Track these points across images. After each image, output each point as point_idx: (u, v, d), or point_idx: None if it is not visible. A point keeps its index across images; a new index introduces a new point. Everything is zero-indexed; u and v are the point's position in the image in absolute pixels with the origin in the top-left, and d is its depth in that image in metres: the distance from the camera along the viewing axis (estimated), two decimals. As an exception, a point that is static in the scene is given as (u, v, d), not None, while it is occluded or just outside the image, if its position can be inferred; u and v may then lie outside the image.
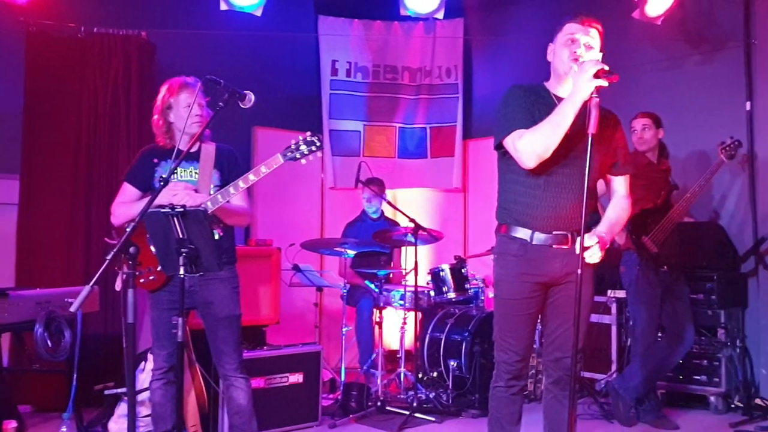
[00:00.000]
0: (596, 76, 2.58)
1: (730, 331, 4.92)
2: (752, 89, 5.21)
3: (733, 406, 4.85)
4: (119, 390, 4.01)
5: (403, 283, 5.46)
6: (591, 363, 5.30)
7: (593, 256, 2.67)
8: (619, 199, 2.97)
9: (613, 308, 5.28)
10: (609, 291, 5.24)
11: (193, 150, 3.34)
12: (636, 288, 4.51)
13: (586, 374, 5.24)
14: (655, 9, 5.10)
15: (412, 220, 5.00)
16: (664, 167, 4.69)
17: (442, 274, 5.45)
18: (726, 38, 5.35)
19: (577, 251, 2.64)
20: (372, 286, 5.35)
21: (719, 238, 5.15)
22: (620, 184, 2.98)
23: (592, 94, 2.59)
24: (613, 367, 5.22)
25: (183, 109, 3.32)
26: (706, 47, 5.45)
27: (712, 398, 4.87)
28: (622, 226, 3.00)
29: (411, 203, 6.76)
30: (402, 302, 5.31)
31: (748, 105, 5.21)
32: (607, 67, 2.59)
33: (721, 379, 4.84)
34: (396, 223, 5.93)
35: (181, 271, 2.83)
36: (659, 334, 4.67)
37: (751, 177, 5.18)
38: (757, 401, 4.89)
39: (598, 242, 2.67)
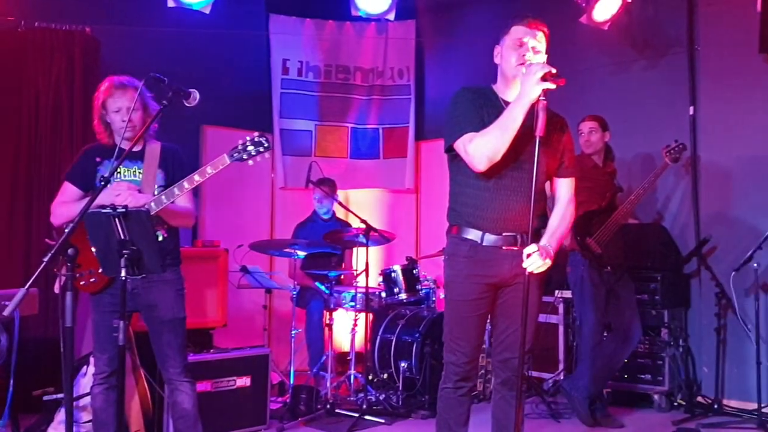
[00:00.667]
0: (543, 79, 2.60)
1: (674, 331, 5.03)
2: (695, 94, 5.34)
3: (676, 404, 4.96)
4: (59, 395, 3.90)
5: (354, 284, 5.44)
6: (538, 362, 5.35)
7: (533, 265, 2.69)
8: (562, 206, 2.98)
9: (561, 308, 5.36)
10: (556, 291, 5.31)
11: (137, 149, 3.27)
12: (581, 288, 4.59)
13: (534, 373, 5.30)
14: (601, 14, 5.19)
15: (363, 221, 4.98)
16: (609, 170, 4.78)
17: (393, 275, 5.43)
18: (670, 44, 5.47)
19: (524, 256, 2.68)
20: (322, 287, 5.31)
21: (663, 239, 5.26)
22: (564, 187, 3.00)
23: (539, 96, 2.62)
24: (561, 367, 5.30)
25: (113, 114, 3.25)
26: (652, 52, 5.57)
27: (656, 397, 4.97)
28: (568, 231, 3.03)
29: (363, 204, 6.74)
30: (353, 304, 5.28)
31: (691, 109, 5.34)
32: (554, 70, 2.61)
33: (664, 378, 4.95)
34: (347, 224, 5.91)
35: (123, 273, 2.75)
36: (606, 333, 4.74)
37: (693, 180, 5.30)
38: (699, 399, 5.01)
39: (538, 250, 2.69)
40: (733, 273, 4.78)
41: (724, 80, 5.16)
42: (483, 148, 2.73)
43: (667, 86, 5.48)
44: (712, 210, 5.22)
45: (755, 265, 4.58)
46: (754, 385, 4.54)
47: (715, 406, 4.83)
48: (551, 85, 2.60)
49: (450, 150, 2.89)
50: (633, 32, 5.62)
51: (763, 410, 4.49)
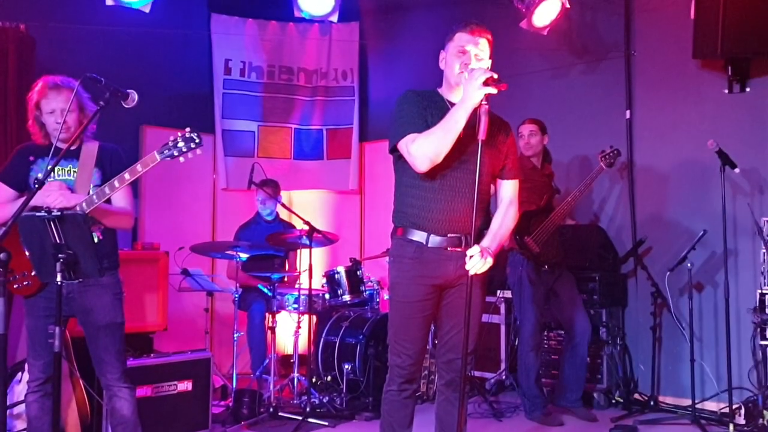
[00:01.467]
0: (485, 83, 2.64)
1: (611, 330, 5.15)
2: (632, 98, 5.48)
3: (614, 401, 5.07)
4: (-9, 404, 3.77)
5: (297, 285, 5.40)
6: (481, 362, 5.42)
7: (475, 266, 2.73)
8: (505, 207, 3.03)
9: (502, 308, 5.43)
10: (498, 291, 5.38)
11: (73, 147, 3.19)
12: (521, 288, 4.66)
13: (477, 373, 5.36)
14: (541, 19, 5.27)
15: (306, 223, 4.96)
16: (547, 172, 4.89)
17: (337, 276, 5.41)
18: (608, 49, 5.61)
19: (467, 259, 2.72)
20: (265, 290, 5.26)
21: (601, 240, 5.38)
22: (508, 189, 3.05)
23: (481, 101, 2.66)
24: (503, 366, 5.37)
25: (47, 115, 3.17)
26: (590, 57, 5.70)
27: (595, 394, 5.07)
28: (510, 233, 3.07)
29: (307, 205, 6.71)
30: (296, 306, 5.25)
31: (627, 113, 5.48)
32: (496, 76, 2.65)
33: (603, 376, 5.06)
34: (291, 225, 5.87)
35: (58, 278, 2.68)
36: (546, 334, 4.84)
37: (630, 182, 5.44)
38: (636, 396, 5.14)
39: (480, 252, 2.73)
40: (668, 273, 4.93)
41: (660, 85, 5.32)
42: (425, 149, 2.76)
43: (605, 90, 5.61)
44: (647, 212, 5.37)
45: (689, 265, 4.72)
46: (689, 382, 4.68)
47: (652, 403, 4.97)
48: (493, 90, 2.65)
49: (394, 150, 2.92)
50: (572, 37, 5.74)
51: (697, 406, 4.63)
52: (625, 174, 5.46)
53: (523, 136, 4.78)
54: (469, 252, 2.73)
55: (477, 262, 2.72)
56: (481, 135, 2.66)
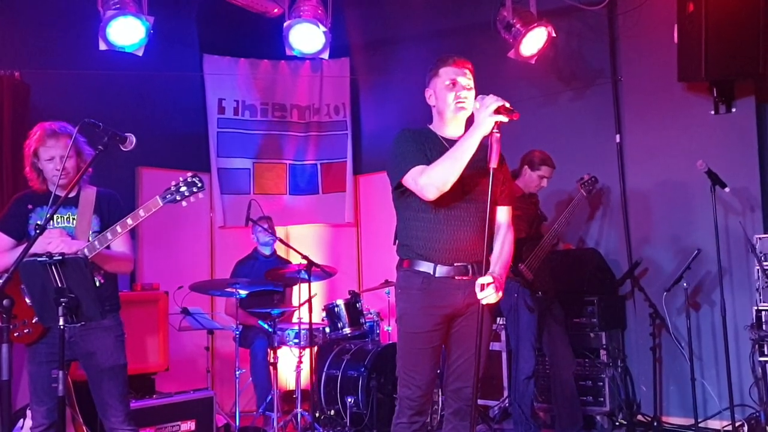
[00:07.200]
0: (497, 111, 2.69)
1: (612, 352, 5.15)
2: (621, 123, 5.56)
3: (617, 423, 5.07)
4: (-6, 452, 3.76)
5: (298, 318, 5.41)
6: (484, 390, 5.40)
7: (490, 296, 2.76)
8: (504, 232, 3.07)
9: (503, 335, 5.43)
10: (498, 318, 5.37)
11: (71, 195, 3.23)
12: (516, 314, 4.61)
13: (481, 401, 5.34)
14: (529, 48, 5.36)
15: (304, 257, 4.98)
16: (534, 200, 4.91)
17: (336, 309, 5.42)
18: (595, 75, 5.70)
19: (477, 287, 2.75)
20: (265, 325, 5.27)
21: (597, 263, 5.42)
22: (504, 214, 3.10)
23: (492, 129, 2.70)
24: (505, 393, 5.35)
25: (45, 162, 3.22)
26: (578, 84, 5.79)
27: (598, 418, 5.07)
28: (511, 257, 3.11)
29: (303, 239, 6.75)
30: (297, 340, 5.25)
31: (617, 137, 5.56)
32: (508, 104, 2.71)
33: (605, 399, 5.05)
34: (288, 261, 5.89)
35: (61, 322, 2.70)
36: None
37: (623, 205, 5.50)
38: (640, 418, 5.14)
39: (492, 281, 2.77)
40: (665, 293, 4.97)
41: (647, 108, 5.39)
42: (434, 178, 2.79)
43: (594, 116, 5.69)
44: (641, 233, 5.41)
45: (685, 284, 4.76)
46: (691, 401, 4.69)
47: (655, 424, 4.96)
48: (504, 118, 2.69)
49: (398, 187, 2.95)
50: (559, 65, 5.84)
51: (700, 425, 4.63)
52: (618, 197, 5.51)
53: (545, 179, 4.79)
54: (481, 280, 2.76)
55: (491, 292, 2.75)
56: (493, 163, 2.70)
